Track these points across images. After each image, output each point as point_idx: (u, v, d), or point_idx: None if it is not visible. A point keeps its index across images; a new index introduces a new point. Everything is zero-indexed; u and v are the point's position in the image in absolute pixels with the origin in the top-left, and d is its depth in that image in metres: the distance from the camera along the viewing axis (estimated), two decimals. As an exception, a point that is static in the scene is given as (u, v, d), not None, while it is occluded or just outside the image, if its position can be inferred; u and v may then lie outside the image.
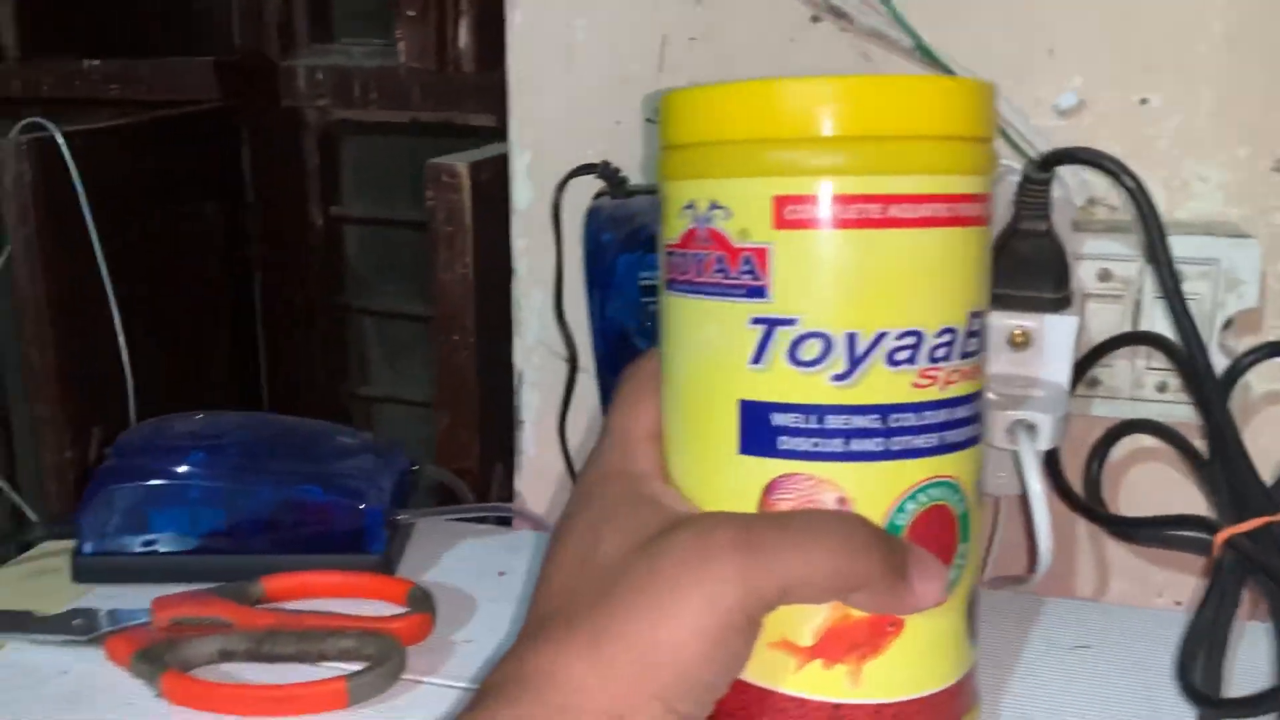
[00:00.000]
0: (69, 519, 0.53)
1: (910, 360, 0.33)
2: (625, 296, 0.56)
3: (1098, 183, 0.54)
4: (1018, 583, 0.52)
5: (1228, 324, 0.52)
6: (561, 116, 0.60)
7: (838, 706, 0.34)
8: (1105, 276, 0.52)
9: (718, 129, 0.34)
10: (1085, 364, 0.52)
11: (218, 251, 1.00)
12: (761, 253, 0.33)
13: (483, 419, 0.75)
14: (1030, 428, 0.46)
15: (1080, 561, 0.58)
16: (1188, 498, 0.56)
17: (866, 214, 0.32)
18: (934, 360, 0.34)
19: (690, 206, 0.35)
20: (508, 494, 0.77)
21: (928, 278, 0.33)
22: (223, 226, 1.00)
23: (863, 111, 0.32)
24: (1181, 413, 0.53)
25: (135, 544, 0.52)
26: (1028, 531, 0.58)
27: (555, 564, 0.35)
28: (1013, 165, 0.51)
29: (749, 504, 0.34)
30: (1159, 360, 0.52)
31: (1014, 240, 0.48)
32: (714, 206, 0.34)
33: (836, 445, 0.33)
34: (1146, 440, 0.55)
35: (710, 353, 0.35)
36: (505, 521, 0.65)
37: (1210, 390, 0.45)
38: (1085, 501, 0.52)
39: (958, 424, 0.35)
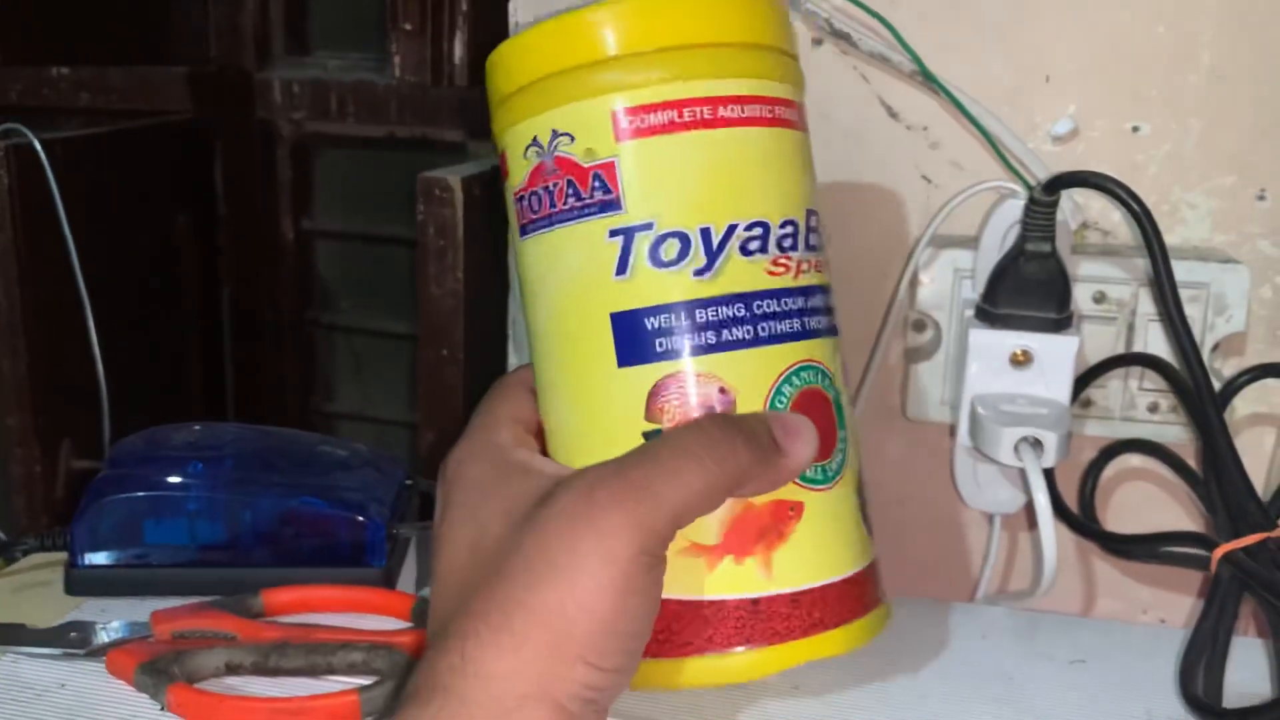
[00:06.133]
0: (61, 530, 0.52)
1: (762, 249, 0.36)
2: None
3: (1092, 206, 0.55)
4: (1020, 597, 0.53)
5: (1214, 348, 0.54)
6: (562, 132, 0.60)
7: (756, 601, 0.35)
8: (1100, 299, 0.53)
9: (550, 62, 0.36)
10: (1081, 384, 0.53)
11: (188, 264, 0.98)
12: (609, 167, 0.35)
13: (468, 435, 0.74)
14: (1036, 444, 0.47)
15: (1068, 579, 0.59)
16: (1173, 516, 0.57)
17: (699, 115, 0.35)
18: (782, 249, 0.36)
19: (534, 144, 0.37)
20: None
21: (763, 172, 0.36)
22: (194, 239, 0.99)
23: (683, 23, 0.36)
24: (1171, 433, 0.55)
25: (130, 556, 0.51)
26: (1026, 548, 0.59)
27: (446, 563, 0.35)
28: (1013, 188, 0.52)
29: (635, 415, 0.35)
30: (1151, 381, 0.54)
31: (1019, 261, 0.49)
32: (557, 135, 0.36)
33: (710, 338, 0.35)
34: (1134, 460, 0.56)
35: (574, 276, 0.36)
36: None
37: (1209, 409, 0.46)
38: (1081, 519, 0.53)
39: (815, 312, 0.37)
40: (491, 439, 0.38)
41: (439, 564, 0.35)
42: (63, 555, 0.52)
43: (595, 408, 0.37)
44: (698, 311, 0.35)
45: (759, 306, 0.35)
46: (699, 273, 0.35)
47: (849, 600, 0.37)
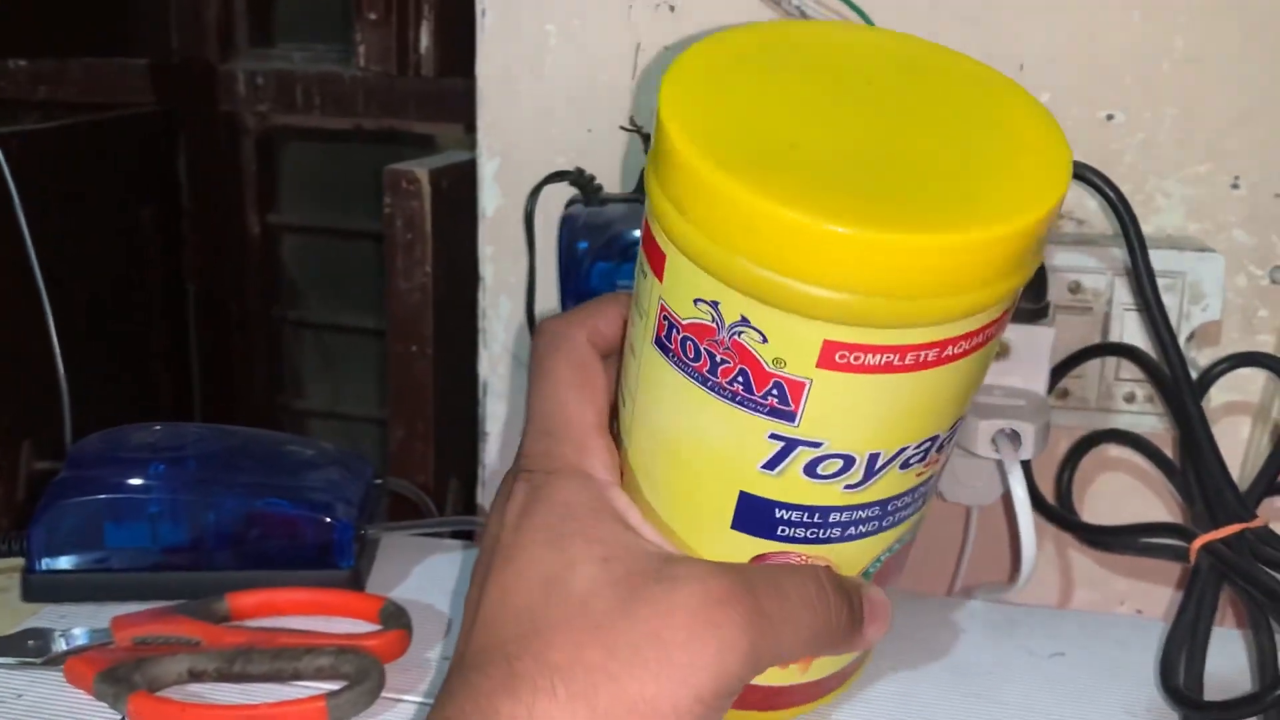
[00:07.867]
0: (18, 534, 0.50)
1: (921, 459, 0.33)
2: (599, 305, 0.55)
3: (1068, 196, 0.54)
4: (998, 590, 0.52)
5: (1190, 337, 0.53)
6: (531, 122, 0.59)
7: (787, 687, 0.38)
8: (1075, 289, 0.53)
9: (770, 256, 0.29)
10: (1057, 374, 0.52)
11: (152, 259, 0.97)
12: (798, 386, 0.30)
13: (438, 431, 0.73)
14: (1014, 436, 0.46)
15: (1045, 571, 0.58)
16: (1150, 506, 0.57)
17: (920, 359, 0.30)
18: (940, 451, 0.34)
19: (713, 306, 0.30)
20: (463, 507, 0.76)
21: (961, 394, 0.33)
22: (158, 234, 0.97)
23: (932, 272, 0.29)
24: (1147, 423, 0.54)
25: (90, 560, 0.50)
26: (1003, 540, 0.58)
27: (512, 578, 0.32)
28: (988, 178, 0.52)
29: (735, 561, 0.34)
30: (1127, 371, 0.53)
31: (995, 251, 0.48)
32: (746, 323, 0.30)
33: (835, 533, 0.34)
34: (1111, 450, 0.56)
35: (713, 446, 0.32)
36: (467, 535, 0.64)
37: (1187, 399, 0.46)
38: (1059, 510, 0.52)
39: (934, 485, 0.36)
40: (585, 468, 0.34)
41: (503, 573, 0.33)
42: (20, 561, 0.50)
43: (694, 539, 0.34)
44: (834, 514, 0.33)
45: (893, 505, 0.34)
46: (851, 486, 0.32)
47: (853, 666, 0.41)
